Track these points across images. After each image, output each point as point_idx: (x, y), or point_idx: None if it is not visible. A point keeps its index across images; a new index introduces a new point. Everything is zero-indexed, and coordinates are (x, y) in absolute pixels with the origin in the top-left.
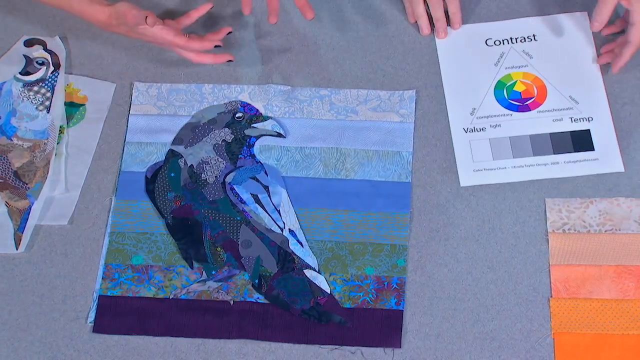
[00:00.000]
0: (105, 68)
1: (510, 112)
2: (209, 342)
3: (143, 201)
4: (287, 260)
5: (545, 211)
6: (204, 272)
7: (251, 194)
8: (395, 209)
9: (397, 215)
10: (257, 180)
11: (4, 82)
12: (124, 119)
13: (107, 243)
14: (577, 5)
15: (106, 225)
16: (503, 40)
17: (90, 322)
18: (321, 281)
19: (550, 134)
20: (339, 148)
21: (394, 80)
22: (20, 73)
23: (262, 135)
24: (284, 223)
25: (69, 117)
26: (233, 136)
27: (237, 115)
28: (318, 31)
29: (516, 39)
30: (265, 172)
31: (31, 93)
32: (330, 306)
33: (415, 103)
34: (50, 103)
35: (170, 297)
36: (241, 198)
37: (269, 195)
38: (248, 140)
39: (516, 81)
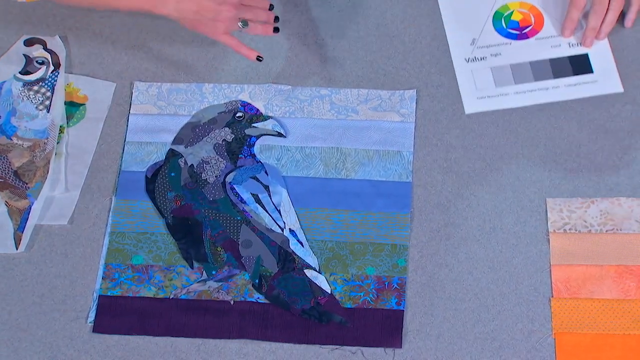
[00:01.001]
0: (105, 67)
1: (510, 40)
2: (209, 342)
3: (143, 201)
4: (287, 260)
5: (546, 211)
6: (204, 272)
7: (251, 194)
8: (395, 209)
9: (397, 215)
10: (258, 180)
11: (4, 82)
12: (124, 118)
13: (107, 243)
14: None
15: (106, 225)
16: None
17: (90, 322)
18: (322, 281)
19: (550, 59)
20: (339, 148)
21: (394, 80)
22: (20, 72)
23: (262, 135)
24: (284, 223)
25: (69, 117)
26: (233, 136)
27: (237, 115)
28: (318, 31)
29: None
30: (266, 172)
31: (31, 92)
32: (330, 306)
33: (416, 103)
34: (50, 102)
35: (171, 297)
36: (241, 198)
37: (270, 195)
38: (248, 139)
39: (513, 11)
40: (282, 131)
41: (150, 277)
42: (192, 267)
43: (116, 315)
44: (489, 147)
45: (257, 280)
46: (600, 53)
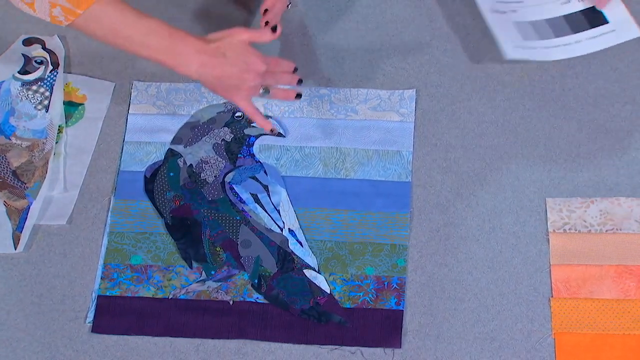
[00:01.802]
0: (104, 67)
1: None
2: (208, 342)
3: (142, 201)
4: (286, 260)
5: (546, 211)
6: (203, 272)
7: (250, 194)
8: (395, 209)
9: (397, 215)
10: (257, 180)
11: (3, 82)
12: (123, 118)
13: (106, 243)
14: None
15: (105, 225)
16: None
17: (89, 322)
18: (321, 281)
19: (564, 16)
20: (338, 147)
21: (394, 80)
22: (19, 72)
23: (261, 135)
24: (283, 223)
25: (67, 117)
26: (232, 135)
27: (236, 115)
28: (318, 30)
29: None
30: (265, 172)
31: (30, 92)
32: (329, 306)
33: (416, 102)
34: (49, 102)
35: (170, 297)
36: (240, 197)
37: (269, 195)
38: (247, 139)
39: None
40: (281, 131)
41: (149, 277)
42: (191, 267)
43: (115, 315)
44: (488, 147)
45: (256, 280)
46: (611, 3)
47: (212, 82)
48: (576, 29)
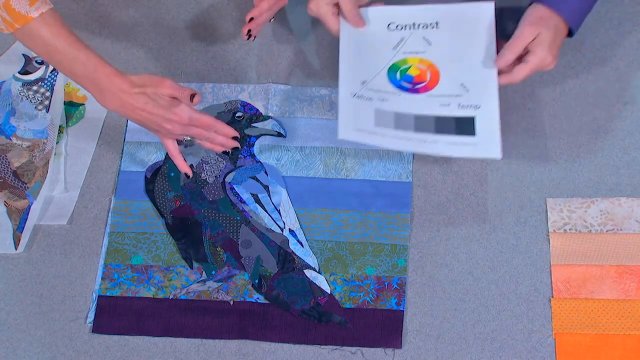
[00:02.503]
0: None
1: (400, 91)
2: (209, 342)
3: (142, 201)
4: (287, 260)
5: (547, 211)
6: (203, 272)
7: (251, 194)
8: (395, 209)
9: (397, 215)
10: (257, 180)
11: (3, 82)
12: (123, 118)
13: (106, 243)
14: None
15: (105, 225)
16: (405, 26)
17: (89, 323)
18: (321, 281)
19: (436, 117)
20: (339, 147)
21: None
22: (19, 72)
23: (262, 135)
24: (284, 223)
25: (68, 117)
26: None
27: (237, 115)
28: (318, 30)
29: (418, 25)
30: (265, 172)
31: (30, 92)
32: (330, 306)
33: None
34: (50, 102)
35: (170, 297)
36: (241, 198)
37: (269, 195)
38: (248, 139)
39: (411, 65)
40: (281, 131)
41: (149, 277)
42: (191, 267)
43: (115, 315)
44: None
45: (256, 281)
46: (487, 118)
47: (133, 121)
48: (440, 131)
